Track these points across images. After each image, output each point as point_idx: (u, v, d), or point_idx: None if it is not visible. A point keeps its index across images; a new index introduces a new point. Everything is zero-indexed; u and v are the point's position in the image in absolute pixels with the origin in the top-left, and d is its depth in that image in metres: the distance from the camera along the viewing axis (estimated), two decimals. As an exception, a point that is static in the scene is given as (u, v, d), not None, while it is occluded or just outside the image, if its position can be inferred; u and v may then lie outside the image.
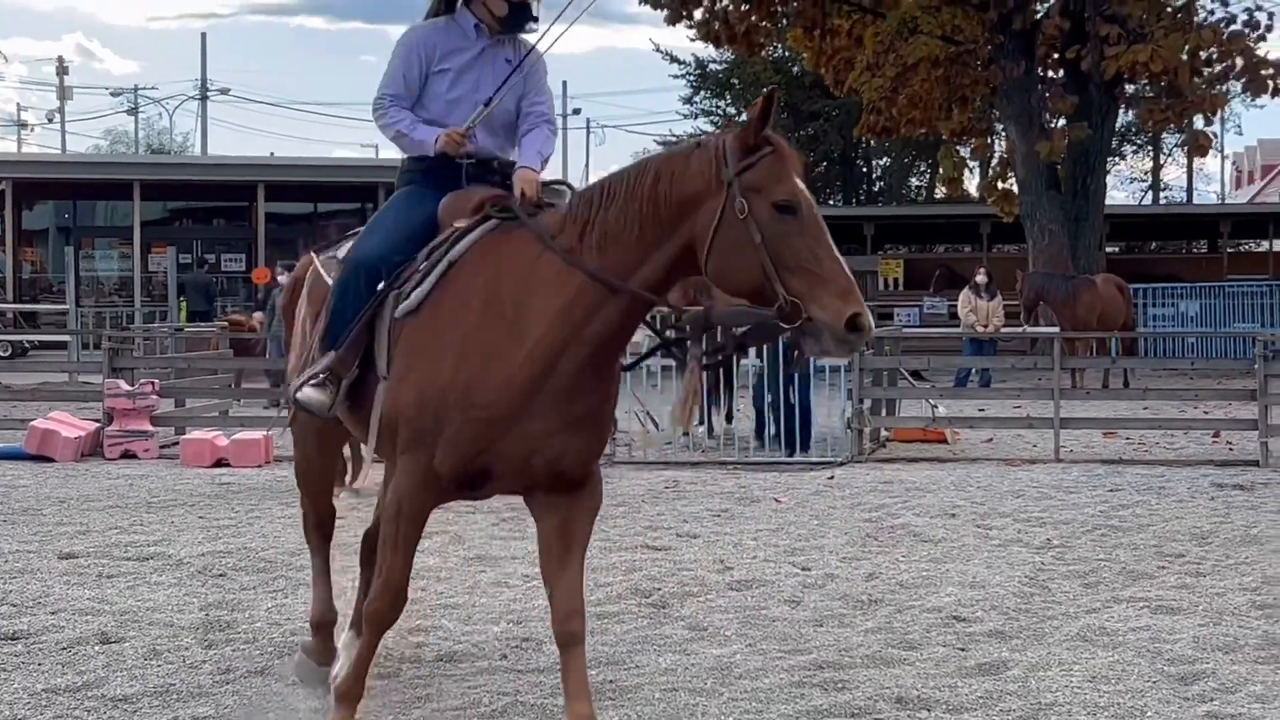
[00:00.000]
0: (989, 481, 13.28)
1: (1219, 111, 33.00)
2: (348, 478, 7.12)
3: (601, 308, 5.02)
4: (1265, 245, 45.43)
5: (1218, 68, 27.94)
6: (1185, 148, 43.28)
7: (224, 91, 71.55)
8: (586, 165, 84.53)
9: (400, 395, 5.25)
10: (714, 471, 14.27)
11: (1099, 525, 10.61)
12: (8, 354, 32.23)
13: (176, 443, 15.90)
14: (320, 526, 6.64)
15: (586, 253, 5.03)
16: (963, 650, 6.84)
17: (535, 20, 5.94)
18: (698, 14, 27.76)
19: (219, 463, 14.89)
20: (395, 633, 7.23)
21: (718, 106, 54.64)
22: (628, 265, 4.98)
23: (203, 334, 27.64)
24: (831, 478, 13.45)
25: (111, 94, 78.45)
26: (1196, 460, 15.08)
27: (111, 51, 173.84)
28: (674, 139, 55.54)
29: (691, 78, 53.20)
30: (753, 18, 27.57)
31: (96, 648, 6.94)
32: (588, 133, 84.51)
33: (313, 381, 5.50)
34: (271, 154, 52.42)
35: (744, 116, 53.96)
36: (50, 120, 75.01)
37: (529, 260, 5.13)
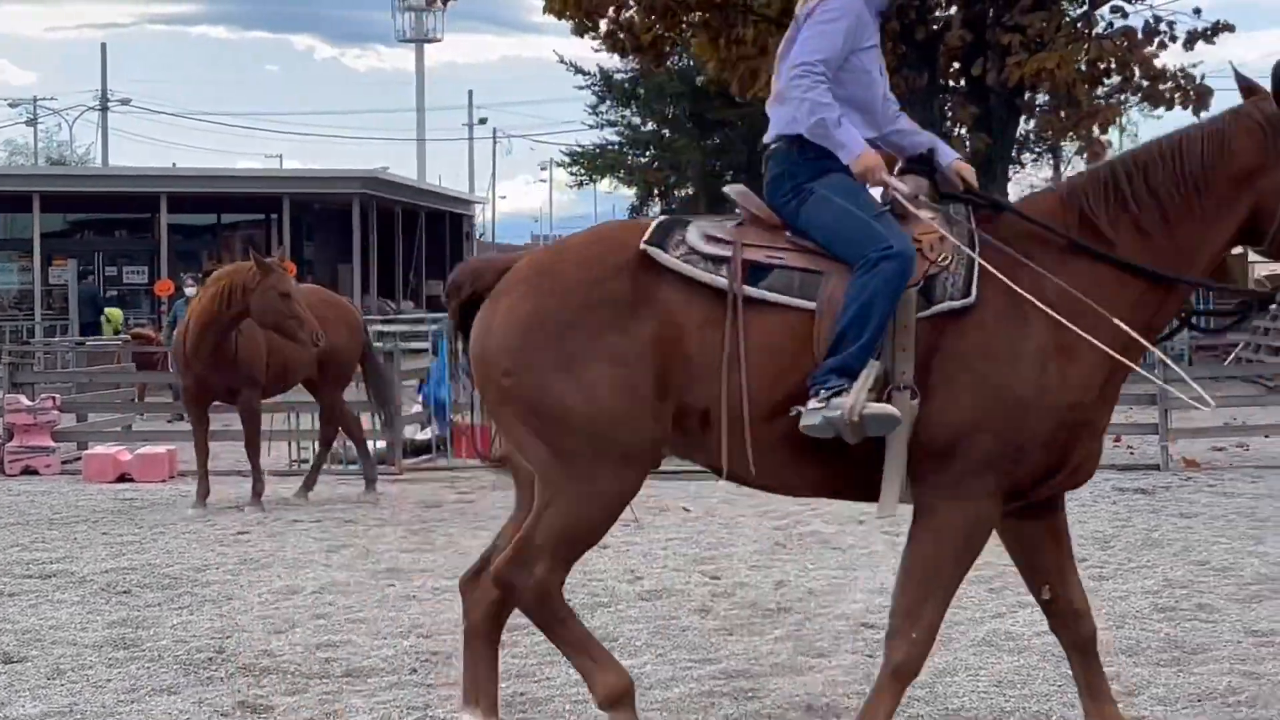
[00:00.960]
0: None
1: (1117, 120, 33.44)
2: None
3: (1165, 301, 5.04)
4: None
5: (1116, 79, 28.33)
6: (1084, 156, 43.76)
7: (125, 102, 70.68)
8: (493, 174, 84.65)
9: (975, 404, 4.94)
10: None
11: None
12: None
13: (79, 458, 15.72)
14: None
15: (1124, 243, 4.98)
16: (871, 657, 6.86)
17: None
18: (603, 25, 27.77)
19: (122, 478, 14.73)
20: (304, 648, 7.20)
21: (623, 116, 54.64)
22: (1184, 252, 4.97)
23: (105, 348, 27.31)
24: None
25: (9, 105, 77.17)
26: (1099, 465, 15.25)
27: (9, 62, 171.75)
28: (580, 149, 55.69)
29: (597, 88, 53.15)
30: (658, 28, 27.63)
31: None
32: (494, 142, 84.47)
33: (867, 397, 4.87)
34: (174, 165, 52.07)
35: (650, 126, 53.85)
36: (-53, 131, 73.90)
37: (1059, 253, 5.02)
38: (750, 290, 5.05)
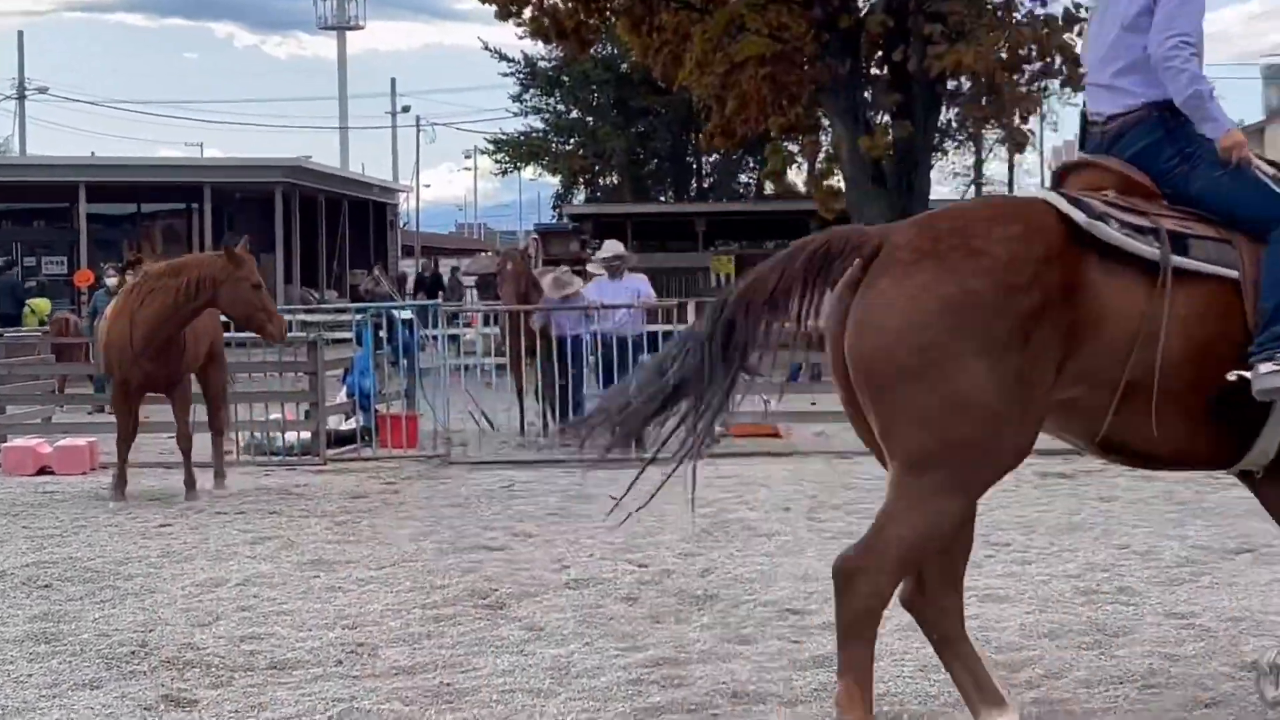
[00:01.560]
0: (821, 475, 13.43)
1: (1038, 109, 33.70)
2: None
3: None
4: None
5: (1037, 65, 28.51)
6: (1006, 144, 44.12)
7: (42, 90, 69.67)
8: (416, 162, 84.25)
9: None
10: (550, 470, 14.25)
11: (928, 516, 10.77)
12: None
13: (-3, 451, 15.53)
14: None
15: None
16: (797, 643, 6.90)
17: None
18: (527, 12, 27.72)
19: (42, 470, 14.58)
20: (229, 641, 7.15)
21: (548, 104, 54.49)
22: None
23: (24, 339, 26.99)
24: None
25: (-75, 95, 76.16)
26: (1021, 450, 15.39)
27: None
28: (504, 136, 55.55)
29: (521, 75, 53.00)
30: (581, 15, 27.60)
31: (-85, 665, 6.77)
32: (417, 130, 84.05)
33: None
34: (93, 154, 51.26)
35: (574, 114, 53.87)
36: None
37: None
38: (1182, 260, 5.02)
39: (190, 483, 12.64)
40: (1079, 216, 4.99)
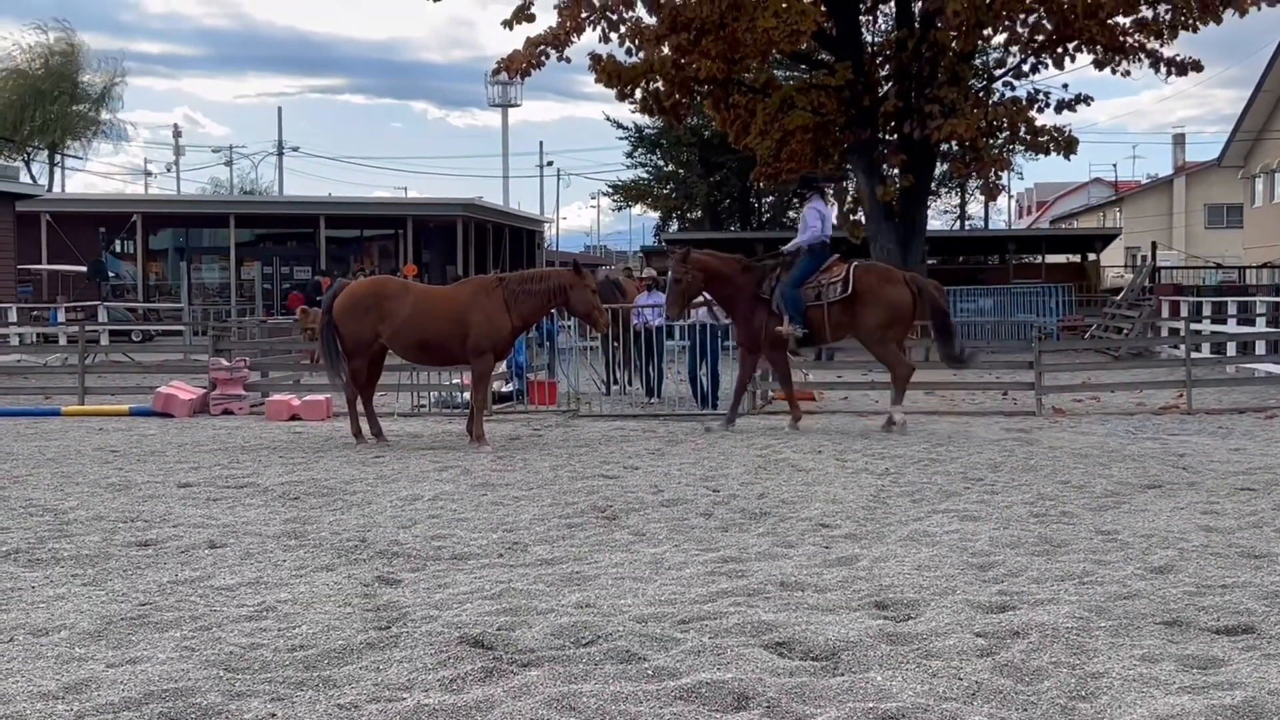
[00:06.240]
0: (845, 427, 13.37)
1: (1009, 165, 33.37)
2: None
3: None
4: (1039, 259, 45.91)
5: (1007, 133, 28.24)
6: (983, 191, 43.62)
7: (295, 149, 71.00)
8: (556, 201, 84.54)
9: None
10: (650, 421, 14.30)
11: (922, 458, 10.71)
12: (140, 339, 31.89)
13: (262, 403, 15.83)
14: None
15: None
16: (827, 548, 6.90)
17: None
18: (638, 93, 27.79)
19: (293, 418, 14.84)
20: (423, 539, 7.22)
21: (650, 159, 54.65)
22: None
23: (281, 325, 27.45)
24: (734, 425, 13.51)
25: (212, 151, 78.08)
26: (991, 411, 15.24)
27: (211, 120, 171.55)
28: (619, 183, 55.66)
29: (632, 139, 53.14)
30: (676, 95, 27.60)
31: (206, 551, 6.91)
32: (558, 179, 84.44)
33: None
34: (329, 194, 51.89)
35: (670, 167, 53.81)
36: (168, 170, 74.33)
37: None
38: None
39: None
40: None
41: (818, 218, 13.19)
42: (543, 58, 26.13)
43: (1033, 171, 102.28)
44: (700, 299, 14.16)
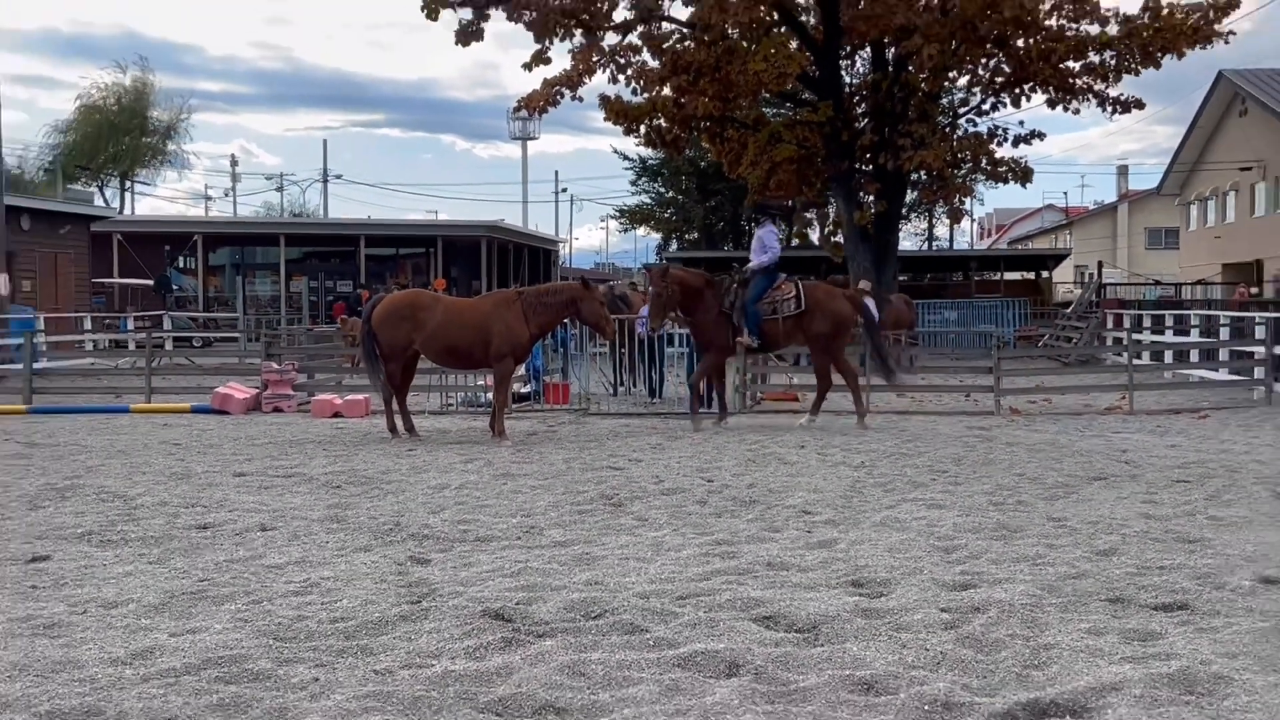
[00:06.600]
0: (826, 425, 13.35)
1: (971, 193, 33.36)
2: None
3: None
4: (998, 276, 45.89)
5: (969, 164, 28.27)
6: (948, 215, 43.61)
7: (338, 177, 71.79)
8: (570, 224, 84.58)
9: None
10: (653, 419, 14.28)
11: (894, 453, 10.69)
12: (200, 345, 31.91)
13: (308, 402, 15.82)
14: None
15: None
16: (808, 532, 6.89)
17: None
18: (642, 129, 27.88)
19: (336, 415, 14.82)
20: (450, 523, 7.21)
21: (653, 187, 54.70)
22: None
23: (325, 332, 27.45)
24: (727, 424, 13.51)
25: (265, 178, 78.40)
26: (955, 411, 15.21)
27: (264, 150, 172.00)
28: (625, 208, 55.74)
29: (636, 168, 53.20)
30: (676, 130, 27.64)
31: (258, 533, 6.92)
32: (571, 204, 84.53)
33: None
34: (369, 216, 52.01)
35: (670, 194, 54.00)
36: (226, 195, 74.52)
37: None
38: None
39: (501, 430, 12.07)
40: None
41: (776, 240, 13.80)
42: (558, 97, 26.16)
43: (993, 198, 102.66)
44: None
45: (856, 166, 27.85)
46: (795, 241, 47.18)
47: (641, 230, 59.64)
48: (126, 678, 4.16)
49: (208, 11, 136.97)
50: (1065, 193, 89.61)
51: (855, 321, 13.63)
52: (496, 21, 27.83)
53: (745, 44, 25.52)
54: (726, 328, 13.23)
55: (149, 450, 11.15)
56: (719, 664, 4.26)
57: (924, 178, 28.76)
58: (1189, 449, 10.91)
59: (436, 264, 43.57)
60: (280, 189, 78.12)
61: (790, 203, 30.02)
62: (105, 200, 54.27)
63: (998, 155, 27.85)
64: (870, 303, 23.36)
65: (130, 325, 31.83)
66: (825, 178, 28.50)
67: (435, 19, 25.72)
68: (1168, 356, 20.00)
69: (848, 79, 30.75)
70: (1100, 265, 40.52)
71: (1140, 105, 26.77)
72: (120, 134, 55.81)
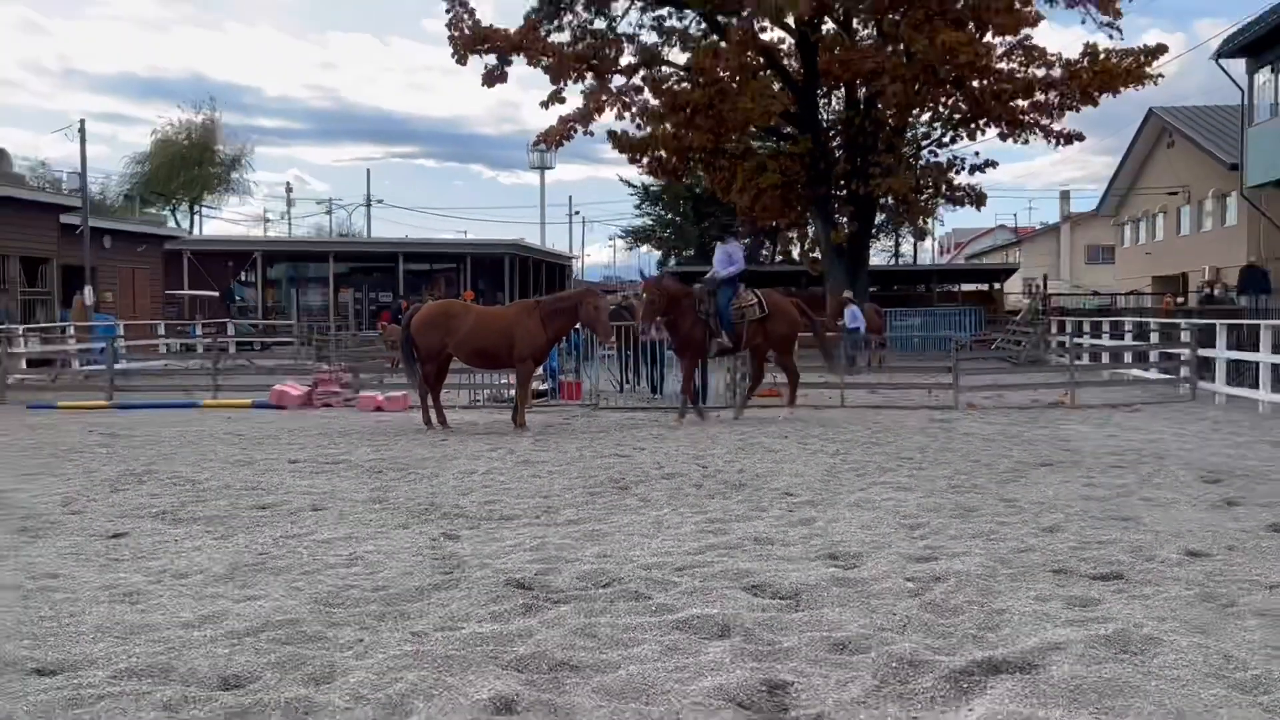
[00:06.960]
0: (806, 418, 13.33)
1: (934, 215, 33.35)
2: None
3: None
4: (956, 288, 45.86)
5: (931, 190, 28.28)
6: (913, 235, 43.63)
7: (380, 201, 71.74)
8: (582, 243, 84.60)
9: None
10: (655, 413, 14.27)
11: (866, 442, 10.67)
12: (259, 349, 31.92)
13: (355, 399, 15.82)
14: None
15: None
16: (791, 512, 6.88)
17: None
18: (645, 160, 27.92)
19: (379, 409, 14.81)
20: (478, 504, 7.19)
21: (654, 210, 54.71)
22: None
23: (369, 337, 27.47)
24: (720, 416, 13.50)
25: (316, 203, 78.37)
26: (919, 406, 15.18)
27: (315, 178, 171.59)
28: (630, 229, 55.75)
29: (639, 194, 53.22)
30: (675, 161, 27.68)
31: (310, 513, 6.91)
32: (583, 225, 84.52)
33: None
34: (406, 236, 51.95)
35: (669, 216, 53.97)
36: (282, 218, 74.31)
37: None
38: None
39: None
40: None
41: (742, 253, 14.10)
42: (572, 132, 26.21)
43: (951, 219, 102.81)
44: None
45: (832, 192, 27.89)
46: (779, 258, 47.22)
47: (644, 248, 59.63)
48: (195, 639, 4.16)
49: (267, 58, 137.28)
50: (1015, 214, 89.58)
51: (802, 325, 14.06)
52: (518, 66, 27.87)
53: (735, 85, 25.55)
54: (703, 331, 13.39)
55: (215, 440, 11.16)
56: (712, 627, 4.26)
57: (891, 202, 28.77)
58: (1124, 439, 10.89)
59: (466, 277, 43.59)
60: (329, 212, 78.18)
61: (756, 223, 30.05)
62: (177, 222, 54.42)
63: (956, 182, 27.88)
64: (857, 311, 23.67)
65: (199, 331, 31.88)
66: (805, 201, 28.51)
67: (464, 64, 25.81)
68: (1105, 358, 19.96)
69: (825, 115, 30.77)
70: (1045, 278, 40.45)
71: (1081, 138, 26.81)
72: (191, 165, 55.93)
